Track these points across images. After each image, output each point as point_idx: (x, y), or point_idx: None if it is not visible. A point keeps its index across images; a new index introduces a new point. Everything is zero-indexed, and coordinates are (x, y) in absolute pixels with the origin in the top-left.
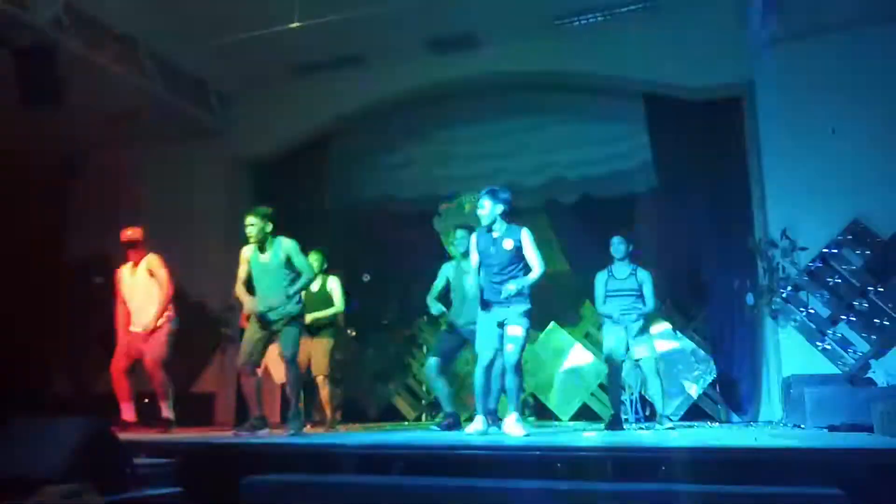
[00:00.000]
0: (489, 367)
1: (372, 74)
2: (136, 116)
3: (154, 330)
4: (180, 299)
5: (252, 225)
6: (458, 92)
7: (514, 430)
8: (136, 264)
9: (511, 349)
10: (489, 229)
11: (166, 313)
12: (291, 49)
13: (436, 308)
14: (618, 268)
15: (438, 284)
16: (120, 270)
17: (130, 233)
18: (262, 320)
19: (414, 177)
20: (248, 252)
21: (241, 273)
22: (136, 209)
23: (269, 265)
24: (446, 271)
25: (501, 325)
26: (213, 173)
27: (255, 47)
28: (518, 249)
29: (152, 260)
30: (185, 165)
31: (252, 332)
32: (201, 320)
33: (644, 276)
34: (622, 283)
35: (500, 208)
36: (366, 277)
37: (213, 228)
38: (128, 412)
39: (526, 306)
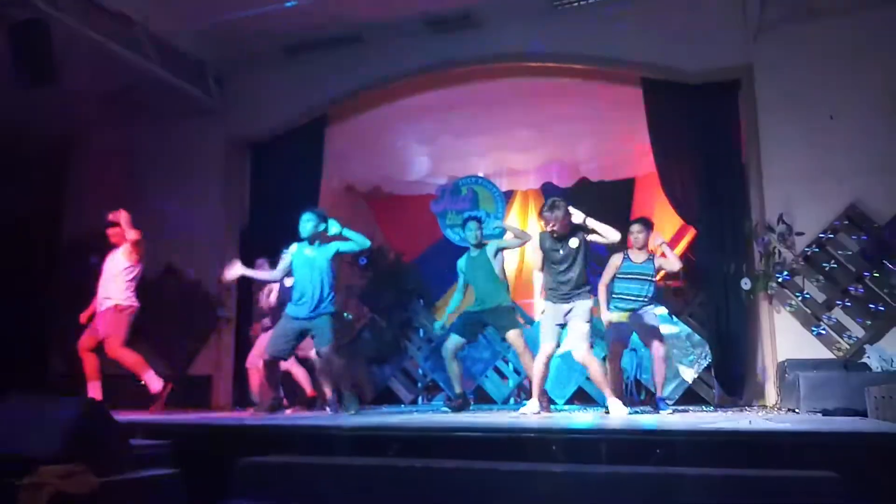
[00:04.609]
0: (549, 358)
1: (369, 54)
2: (131, 94)
3: (108, 310)
4: (176, 280)
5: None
6: (455, 73)
7: (618, 410)
8: (116, 247)
9: (578, 346)
10: (552, 233)
11: (126, 294)
12: (288, 28)
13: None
14: (635, 254)
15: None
16: (109, 255)
17: (111, 216)
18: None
19: (411, 159)
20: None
21: None
22: (131, 188)
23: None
24: (461, 266)
25: (563, 324)
26: (209, 153)
27: (252, 26)
28: (579, 247)
29: (129, 244)
30: (181, 145)
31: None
32: (197, 301)
33: (660, 260)
34: (639, 267)
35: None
36: (362, 260)
37: (210, 208)
38: (94, 390)
39: (588, 303)
